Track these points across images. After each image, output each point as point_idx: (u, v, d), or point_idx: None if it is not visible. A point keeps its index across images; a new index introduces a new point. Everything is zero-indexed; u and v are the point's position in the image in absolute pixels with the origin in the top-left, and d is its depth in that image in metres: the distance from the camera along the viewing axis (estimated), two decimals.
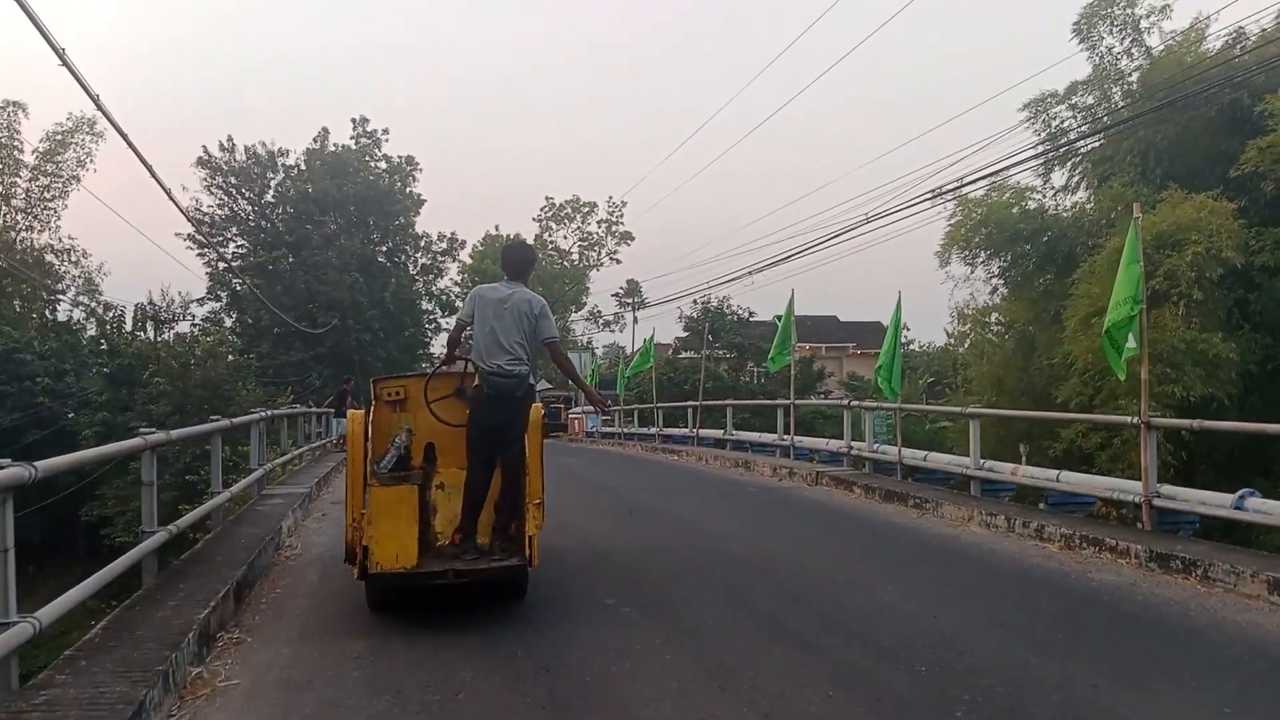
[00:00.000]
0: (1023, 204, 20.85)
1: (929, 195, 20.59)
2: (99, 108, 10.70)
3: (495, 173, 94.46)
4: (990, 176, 19.10)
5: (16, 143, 38.50)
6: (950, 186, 20.46)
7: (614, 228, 61.05)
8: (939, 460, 11.69)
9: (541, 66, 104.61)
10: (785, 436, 15.85)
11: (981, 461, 10.45)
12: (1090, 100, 20.70)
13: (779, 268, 25.71)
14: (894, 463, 12.12)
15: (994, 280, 24.86)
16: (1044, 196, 21.87)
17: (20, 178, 39.21)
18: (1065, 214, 21.73)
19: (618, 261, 61.48)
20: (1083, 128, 21.42)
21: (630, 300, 53.43)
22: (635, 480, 14.44)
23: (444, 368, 6.11)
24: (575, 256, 61.46)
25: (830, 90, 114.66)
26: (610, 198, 63.51)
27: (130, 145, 11.65)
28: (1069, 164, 21.82)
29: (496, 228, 58.19)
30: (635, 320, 52.95)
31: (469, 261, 51.78)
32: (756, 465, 14.69)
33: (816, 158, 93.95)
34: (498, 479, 5.58)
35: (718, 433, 19.35)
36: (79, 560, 28.76)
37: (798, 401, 16.81)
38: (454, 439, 5.70)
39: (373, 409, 5.85)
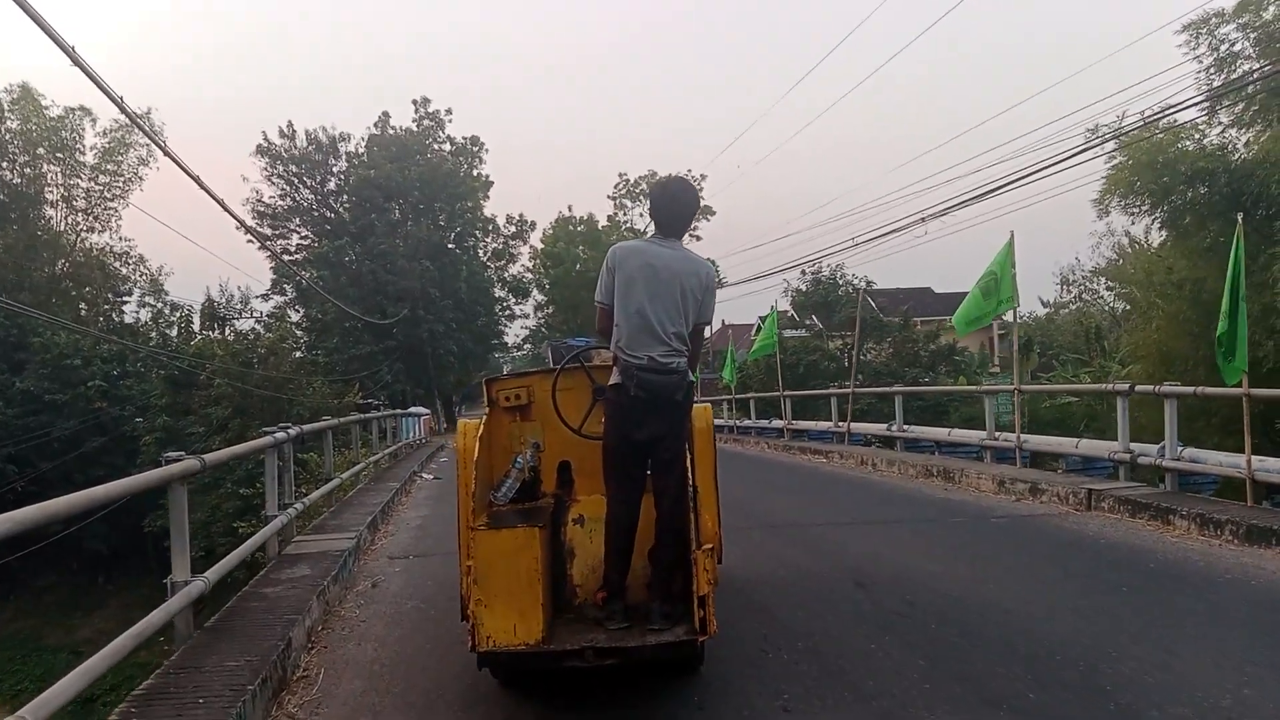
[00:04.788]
0: (1179, 144, 18.08)
1: (1086, 145, 17.28)
2: (123, 110, 9.34)
3: (567, 153, 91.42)
4: (1159, 115, 16.28)
5: (79, 146, 37.04)
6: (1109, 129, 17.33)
7: None
8: None
9: (611, 40, 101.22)
10: (1000, 435, 11.26)
11: None
12: (1268, 16, 17.73)
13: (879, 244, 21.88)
14: (1217, 476, 8.07)
15: (1161, 231, 21.11)
16: (1204, 134, 18.93)
17: (81, 178, 37.56)
18: (1241, 151, 18.47)
19: (697, 239, 57.31)
20: (1259, 55, 17.74)
21: None
22: (801, 502, 10.48)
23: (585, 361, 4.53)
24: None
25: (948, 40, 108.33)
26: (689, 171, 59.32)
27: (159, 146, 9.36)
28: (1241, 95, 18.47)
29: (570, 208, 55.44)
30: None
31: (540, 245, 48.74)
32: (964, 476, 10.61)
33: (930, 117, 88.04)
34: (649, 513, 4.08)
35: (875, 427, 15.16)
36: (150, 573, 26.79)
37: (1037, 387, 12.51)
38: (597, 456, 4.32)
39: (486, 417, 4.53)
